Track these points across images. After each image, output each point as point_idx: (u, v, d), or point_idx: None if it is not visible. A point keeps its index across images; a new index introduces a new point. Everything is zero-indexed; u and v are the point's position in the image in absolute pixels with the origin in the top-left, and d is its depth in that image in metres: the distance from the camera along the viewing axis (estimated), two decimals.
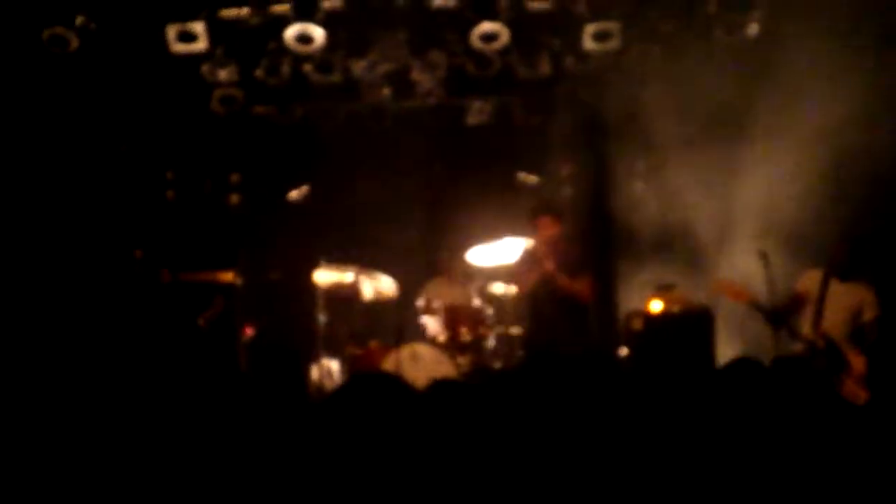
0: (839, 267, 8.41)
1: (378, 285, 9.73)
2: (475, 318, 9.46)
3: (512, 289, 9.38)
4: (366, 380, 4.22)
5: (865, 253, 8.50)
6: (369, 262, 9.84)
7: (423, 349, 9.16)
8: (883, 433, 3.96)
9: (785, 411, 3.94)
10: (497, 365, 9.31)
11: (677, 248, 10.51)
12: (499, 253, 9.51)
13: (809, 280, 8.53)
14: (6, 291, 9.56)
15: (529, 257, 8.87)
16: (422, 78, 10.42)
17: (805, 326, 8.41)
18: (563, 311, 8.69)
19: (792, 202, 9.69)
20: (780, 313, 8.38)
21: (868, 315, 8.44)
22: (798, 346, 8.36)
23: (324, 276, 9.49)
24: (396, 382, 4.24)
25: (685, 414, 4.14)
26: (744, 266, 9.49)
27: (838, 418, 3.90)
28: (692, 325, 9.41)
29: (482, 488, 3.74)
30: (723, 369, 4.54)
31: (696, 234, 10.41)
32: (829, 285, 8.36)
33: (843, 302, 8.38)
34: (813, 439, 3.81)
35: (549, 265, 8.59)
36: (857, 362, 8.15)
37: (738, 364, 4.42)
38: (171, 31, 9.68)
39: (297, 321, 10.08)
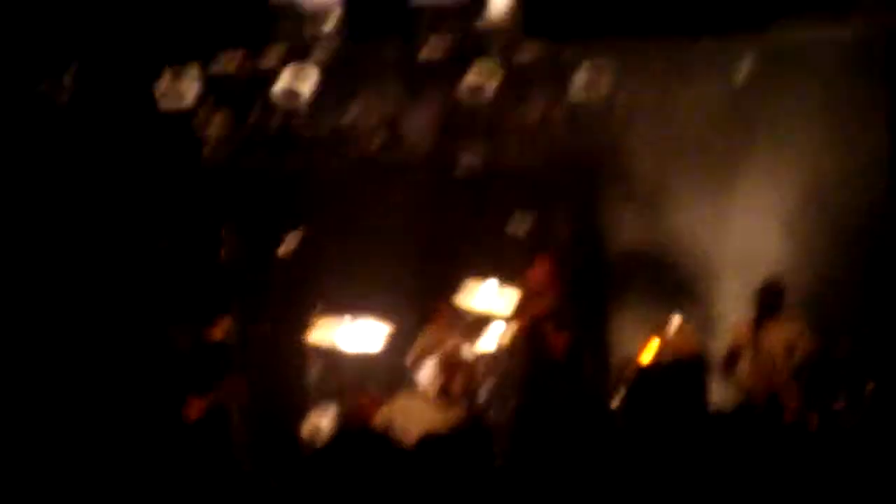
0: (766, 310, 8.97)
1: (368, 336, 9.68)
2: (468, 369, 9.42)
3: (504, 338, 9.35)
4: (352, 436, 4.20)
5: (783, 293, 9.03)
6: (360, 314, 9.80)
7: (415, 401, 9.11)
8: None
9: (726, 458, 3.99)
10: (491, 415, 9.26)
11: (671, 291, 10.51)
12: (488, 300, 9.49)
13: (737, 331, 9.20)
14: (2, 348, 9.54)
15: (520, 301, 8.92)
16: (412, 128, 10.44)
17: (744, 375, 9.01)
18: (552, 358, 8.74)
19: (781, 246, 9.77)
20: (726, 366, 9.11)
21: (801, 349, 8.84)
22: (742, 395, 8.96)
23: (316, 332, 9.44)
24: (382, 439, 4.22)
25: (680, 461, 4.13)
26: (734, 309, 9.56)
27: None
28: (686, 372, 9.41)
29: None
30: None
31: (688, 278, 10.43)
32: (761, 328, 8.93)
33: (778, 340, 8.92)
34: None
35: (541, 306, 8.68)
36: (792, 405, 8.56)
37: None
38: (162, 85, 9.70)
39: (289, 374, 10.04)
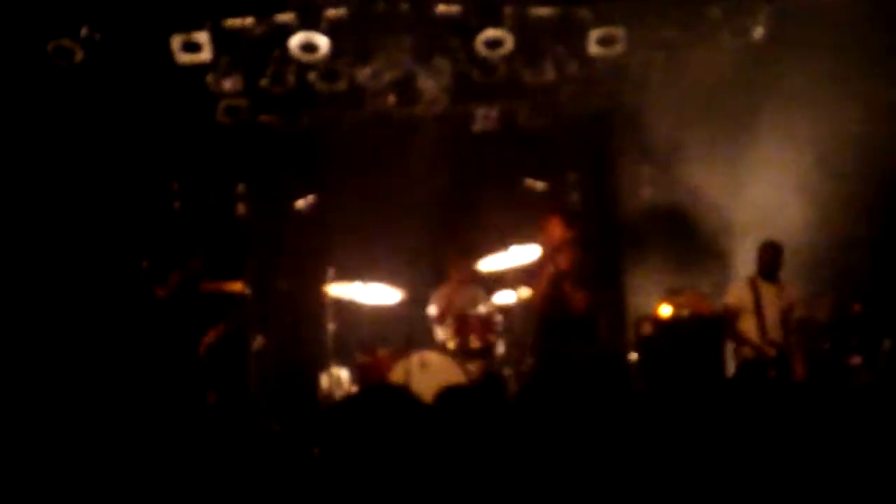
0: (766, 268, 9.10)
1: (383, 295, 9.68)
2: (484, 325, 9.43)
3: (521, 294, 9.34)
4: (369, 390, 4.20)
5: (781, 251, 9.15)
6: (376, 271, 9.80)
7: (432, 357, 9.14)
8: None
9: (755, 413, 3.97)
10: (507, 371, 9.29)
11: (685, 251, 10.50)
12: (510, 260, 9.47)
13: (737, 291, 9.26)
14: (12, 302, 9.56)
15: (539, 259, 8.92)
16: (427, 85, 10.38)
17: (750, 334, 9.01)
18: (572, 315, 8.74)
19: (795, 207, 9.73)
20: (725, 323, 9.19)
21: (797, 313, 9.11)
22: (747, 352, 8.95)
23: (333, 289, 9.44)
24: (400, 392, 4.21)
25: (695, 420, 4.12)
26: (749, 269, 9.54)
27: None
28: (702, 329, 9.44)
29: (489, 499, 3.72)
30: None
31: (703, 238, 10.41)
32: (760, 289, 9.04)
33: (777, 302, 9.06)
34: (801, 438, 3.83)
35: (562, 263, 8.69)
36: (800, 369, 8.76)
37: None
38: (176, 42, 9.65)
39: (306, 330, 10.07)
